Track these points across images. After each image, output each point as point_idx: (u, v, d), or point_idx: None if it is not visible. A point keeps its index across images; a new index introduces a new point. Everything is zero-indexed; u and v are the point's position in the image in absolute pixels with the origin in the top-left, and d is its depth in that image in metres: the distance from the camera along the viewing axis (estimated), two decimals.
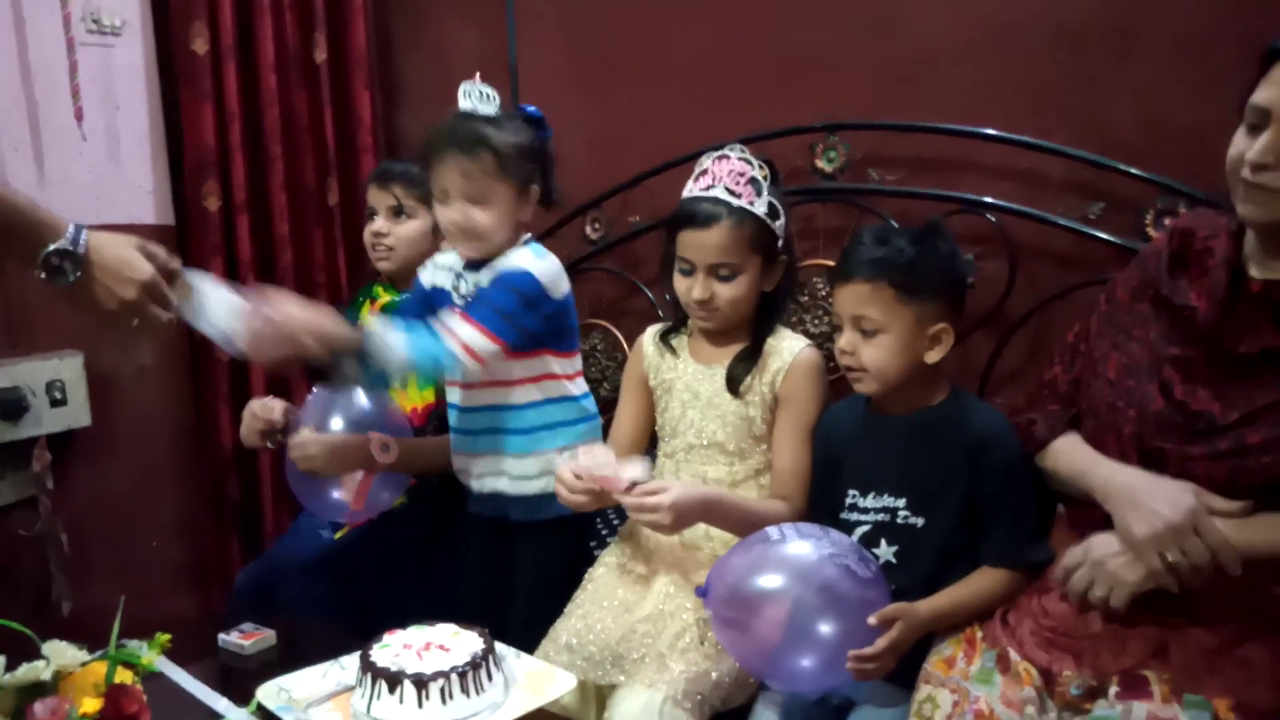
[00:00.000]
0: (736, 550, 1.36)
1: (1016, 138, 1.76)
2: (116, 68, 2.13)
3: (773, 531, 1.34)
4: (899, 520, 1.41)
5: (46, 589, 2.09)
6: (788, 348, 1.55)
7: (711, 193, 1.50)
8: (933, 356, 1.39)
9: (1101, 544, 1.24)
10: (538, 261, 1.60)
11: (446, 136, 1.55)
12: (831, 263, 1.95)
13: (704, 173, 1.53)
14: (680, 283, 1.57)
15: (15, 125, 1.99)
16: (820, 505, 1.50)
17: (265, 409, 1.81)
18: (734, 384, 1.55)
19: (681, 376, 1.62)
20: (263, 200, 2.25)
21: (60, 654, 1.00)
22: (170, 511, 2.28)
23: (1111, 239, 1.69)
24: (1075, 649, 1.22)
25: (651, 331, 1.69)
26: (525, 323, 1.55)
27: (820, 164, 1.94)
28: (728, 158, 1.52)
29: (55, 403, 2.03)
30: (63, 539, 2.09)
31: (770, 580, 1.29)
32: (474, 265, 1.63)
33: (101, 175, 2.13)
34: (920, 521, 1.40)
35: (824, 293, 1.97)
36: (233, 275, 2.22)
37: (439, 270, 1.70)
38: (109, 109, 2.13)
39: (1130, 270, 1.37)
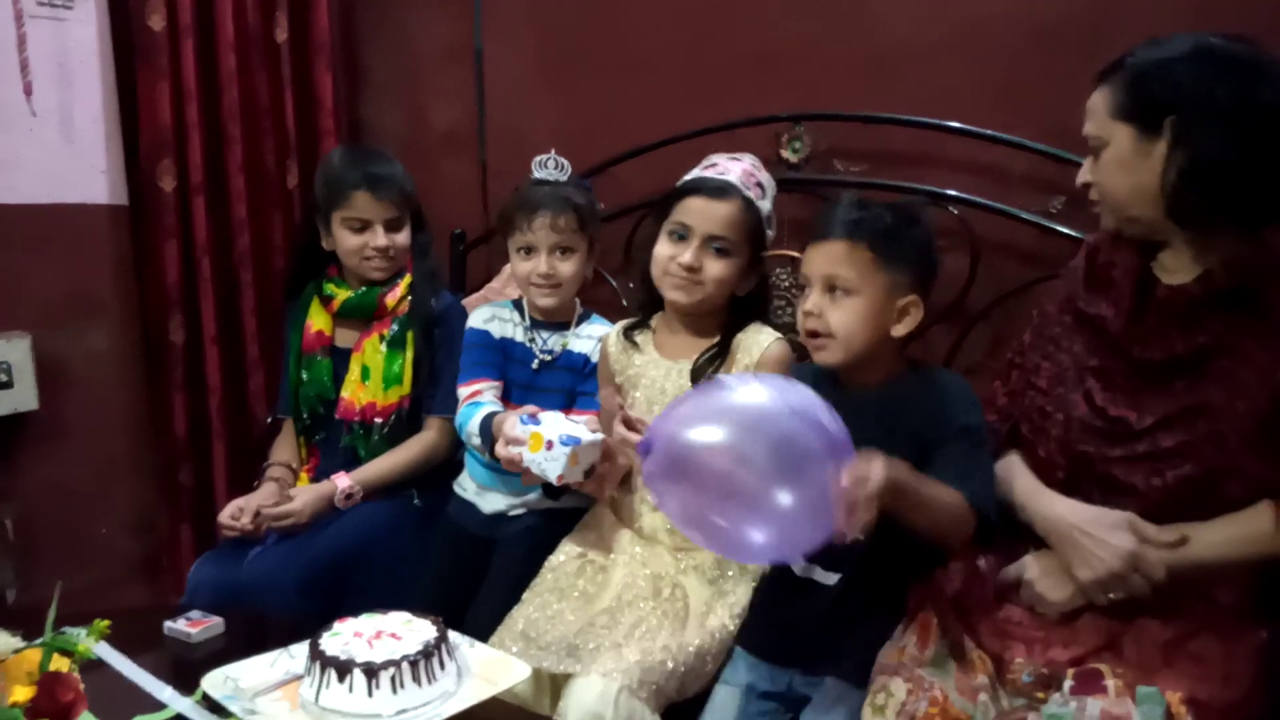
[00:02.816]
0: (685, 398, 1.25)
1: (980, 130, 1.77)
2: (69, 42, 2.07)
3: (729, 379, 1.23)
4: None
5: None
6: (756, 342, 1.55)
7: (725, 178, 1.56)
8: (899, 330, 1.37)
9: (1032, 564, 1.28)
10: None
11: (534, 199, 1.72)
12: (795, 254, 1.95)
13: (713, 165, 1.59)
14: (666, 249, 1.56)
15: None
16: None
17: (236, 515, 1.80)
18: (698, 381, 1.54)
19: (646, 372, 1.62)
20: (220, 182, 2.20)
21: None
22: (122, 499, 2.23)
23: (1072, 233, 1.70)
24: (1027, 639, 1.24)
25: (615, 329, 1.70)
26: None
27: (785, 154, 1.95)
28: (740, 160, 1.60)
29: (1, 385, 1.97)
30: (8, 525, 2.05)
31: (722, 431, 1.13)
32: (542, 324, 1.81)
33: (53, 154, 2.07)
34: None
35: (787, 284, 1.97)
36: (188, 258, 2.18)
37: (505, 323, 1.82)
38: (61, 85, 2.07)
39: (1057, 284, 1.41)
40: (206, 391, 2.22)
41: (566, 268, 1.74)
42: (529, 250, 1.74)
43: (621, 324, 1.71)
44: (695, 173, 1.61)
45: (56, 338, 2.10)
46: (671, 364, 1.60)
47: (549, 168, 1.76)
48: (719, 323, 1.60)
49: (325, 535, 1.79)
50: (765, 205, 1.59)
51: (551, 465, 1.50)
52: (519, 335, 1.82)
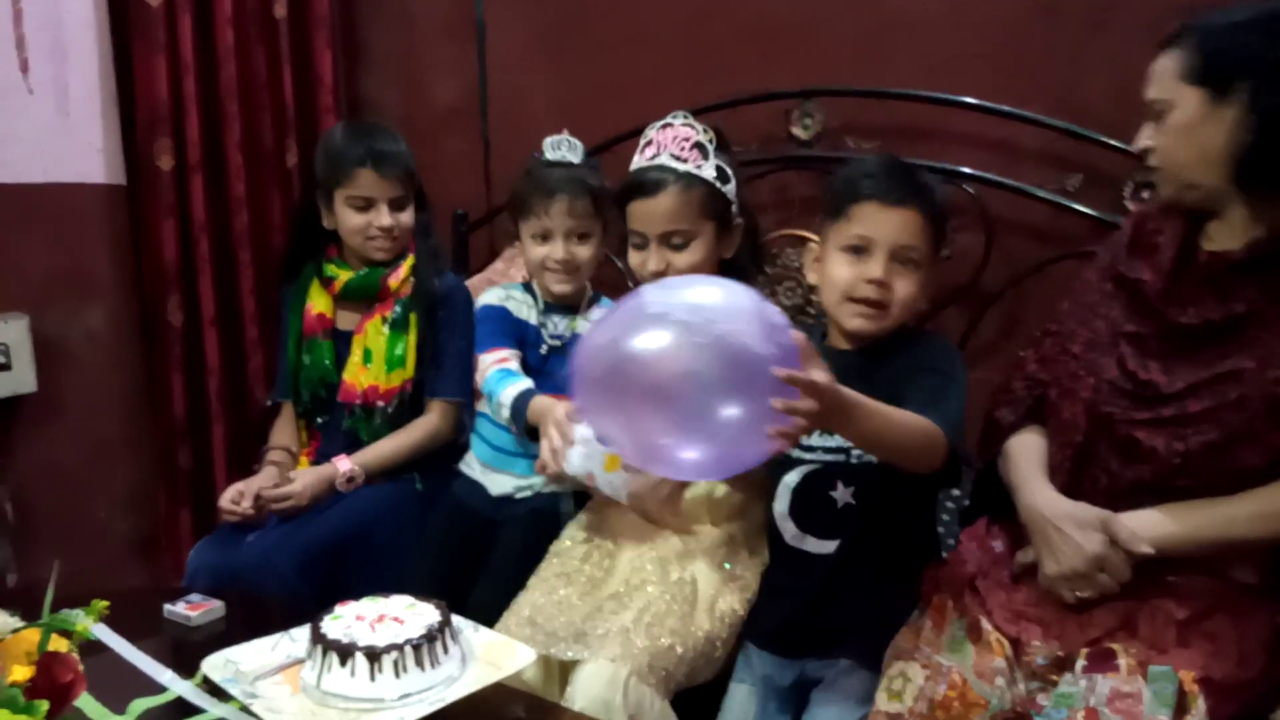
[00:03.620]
0: (617, 308, 1.14)
1: (995, 106, 1.74)
2: (65, 17, 2.03)
3: (649, 288, 1.14)
4: (853, 459, 1.35)
5: None
6: None
7: (657, 161, 1.49)
8: (923, 304, 1.38)
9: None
10: None
11: (550, 183, 1.68)
12: (806, 233, 1.93)
13: (649, 143, 1.53)
14: (634, 257, 1.54)
15: None
16: None
17: (236, 498, 1.77)
18: None
19: None
20: (218, 160, 2.17)
21: None
22: (120, 481, 2.21)
23: (1089, 211, 1.67)
24: (1043, 620, 1.23)
25: None
26: None
27: (796, 131, 1.91)
28: (671, 125, 1.51)
29: None
30: (8, 508, 2.03)
31: (663, 337, 1.03)
32: (554, 307, 1.77)
33: (49, 130, 2.03)
34: (875, 460, 1.33)
35: (798, 264, 1.93)
36: (186, 237, 2.15)
37: (519, 305, 1.79)
38: (57, 60, 2.03)
39: (1102, 252, 1.40)
40: (205, 373, 2.19)
41: (583, 252, 1.72)
42: (545, 236, 1.71)
43: None
44: (635, 159, 1.55)
45: (54, 318, 2.07)
46: None
47: (563, 149, 1.71)
48: None
49: (325, 518, 1.76)
50: (709, 169, 1.50)
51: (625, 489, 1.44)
52: (532, 318, 1.79)
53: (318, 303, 1.92)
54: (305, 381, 1.92)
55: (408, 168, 1.87)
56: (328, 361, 1.90)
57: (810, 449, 1.38)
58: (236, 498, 1.75)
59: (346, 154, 1.83)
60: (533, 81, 2.25)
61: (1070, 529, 1.21)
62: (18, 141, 2.00)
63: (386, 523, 1.78)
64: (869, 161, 1.40)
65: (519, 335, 1.78)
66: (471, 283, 2.08)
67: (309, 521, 1.76)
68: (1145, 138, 1.25)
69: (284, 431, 1.98)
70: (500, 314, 1.78)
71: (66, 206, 2.07)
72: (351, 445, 1.86)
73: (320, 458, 1.89)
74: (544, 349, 1.76)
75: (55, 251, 2.07)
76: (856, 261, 1.33)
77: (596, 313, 1.78)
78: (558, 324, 1.78)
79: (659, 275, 1.50)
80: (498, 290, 1.83)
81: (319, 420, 1.94)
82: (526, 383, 1.68)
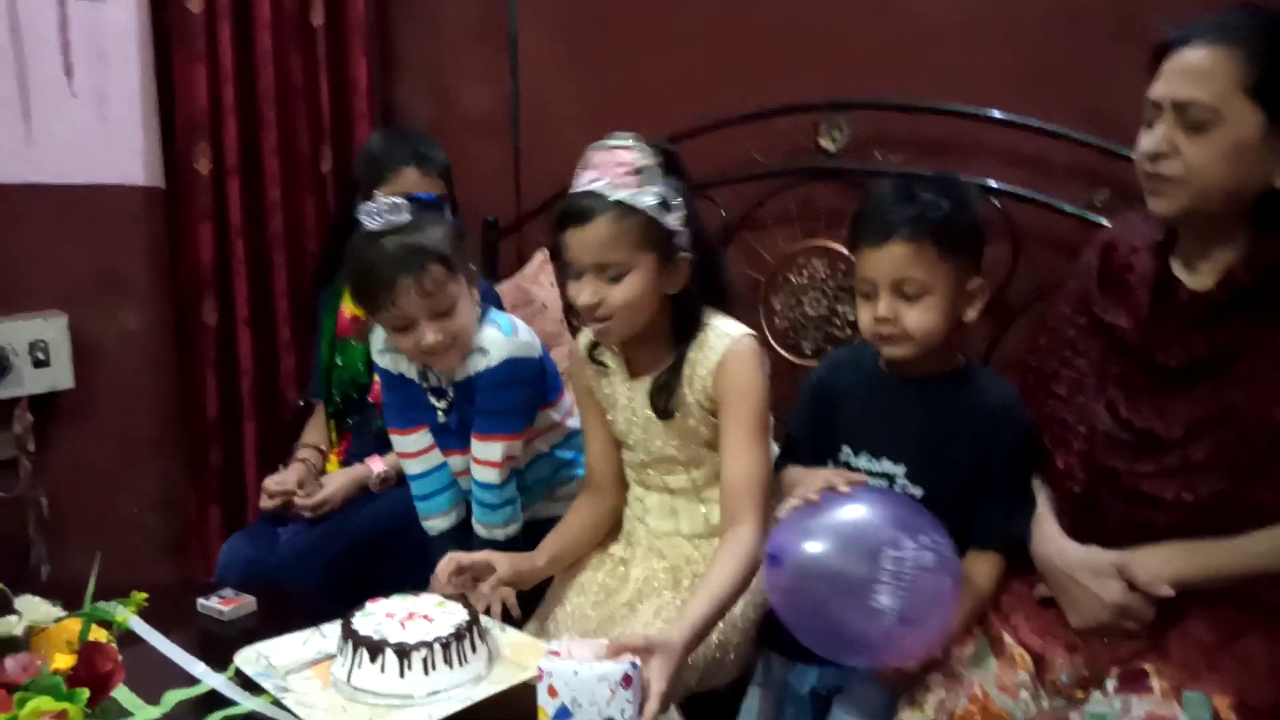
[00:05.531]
0: (831, 512, 1.23)
1: (1024, 120, 1.74)
2: (108, 24, 2.08)
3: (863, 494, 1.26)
4: (896, 489, 1.35)
5: (25, 553, 2.06)
6: (714, 346, 1.42)
7: (592, 186, 1.36)
8: (971, 314, 1.33)
9: None
10: (510, 341, 1.56)
11: (386, 265, 1.44)
12: (833, 244, 1.93)
13: (587, 166, 1.39)
14: (571, 289, 1.43)
15: (2, 80, 1.95)
16: (801, 460, 1.42)
17: (281, 484, 1.81)
18: (661, 411, 1.45)
19: (619, 391, 1.52)
20: (255, 164, 2.21)
21: (33, 609, 0.98)
22: (153, 478, 2.25)
23: None
24: (1068, 639, 1.22)
25: (582, 344, 1.56)
26: (529, 399, 1.62)
27: (824, 143, 1.92)
28: (611, 148, 1.38)
29: (38, 363, 2.00)
30: (43, 502, 2.06)
31: (866, 570, 1.16)
32: None
33: (90, 134, 2.08)
34: (919, 492, 1.33)
35: (823, 275, 1.94)
36: (222, 240, 2.19)
37: (398, 357, 1.62)
38: (99, 66, 2.08)
39: (1070, 283, 1.36)
40: (238, 373, 2.23)
41: (455, 324, 1.50)
42: (406, 326, 1.48)
43: (585, 341, 1.54)
44: (574, 182, 1.40)
45: (91, 317, 2.11)
46: (637, 383, 1.49)
47: (385, 214, 1.45)
48: (664, 329, 1.45)
49: (358, 519, 1.79)
50: (649, 196, 1.35)
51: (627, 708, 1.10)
52: (413, 373, 1.63)
53: (351, 305, 1.95)
54: (337, 383, 1.95)
55: (447, 169, 1.88)
56: (359, 364, 1.92)
57: (858, 472, 1.37)
58: (282, 480, 1.81)
59: (391, 154, 1.86)
60: (563, 90, 2.28)
61: (1087, 579, 1.18)
62: (60, 143, 2.04)
63: (417, 525, 1.80)
64: (866, 199, 1.36)
65: (402, 399, 1.66)
66: (501, 289, 2.11)
67: (341, 524, 1.78)
68: (1160, 141, 1.11)
69: (315, 431, 2.01)
70: (393, 384, 1.66)
71: (106, 208, 2.12)
72: (381, 446, 1.88)
73: (350, 458, 1.91)
74: (439, 416, 1.63)
75: (94, 251, 2.11)
76: (869, 303, 1.33)
77: (485, 341, 1.55)
78: (439, 377, 1.61)
79: (593, 309, 1.39)
80: (380, 335, 1.61)
81: (349, 421, 1.97)
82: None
